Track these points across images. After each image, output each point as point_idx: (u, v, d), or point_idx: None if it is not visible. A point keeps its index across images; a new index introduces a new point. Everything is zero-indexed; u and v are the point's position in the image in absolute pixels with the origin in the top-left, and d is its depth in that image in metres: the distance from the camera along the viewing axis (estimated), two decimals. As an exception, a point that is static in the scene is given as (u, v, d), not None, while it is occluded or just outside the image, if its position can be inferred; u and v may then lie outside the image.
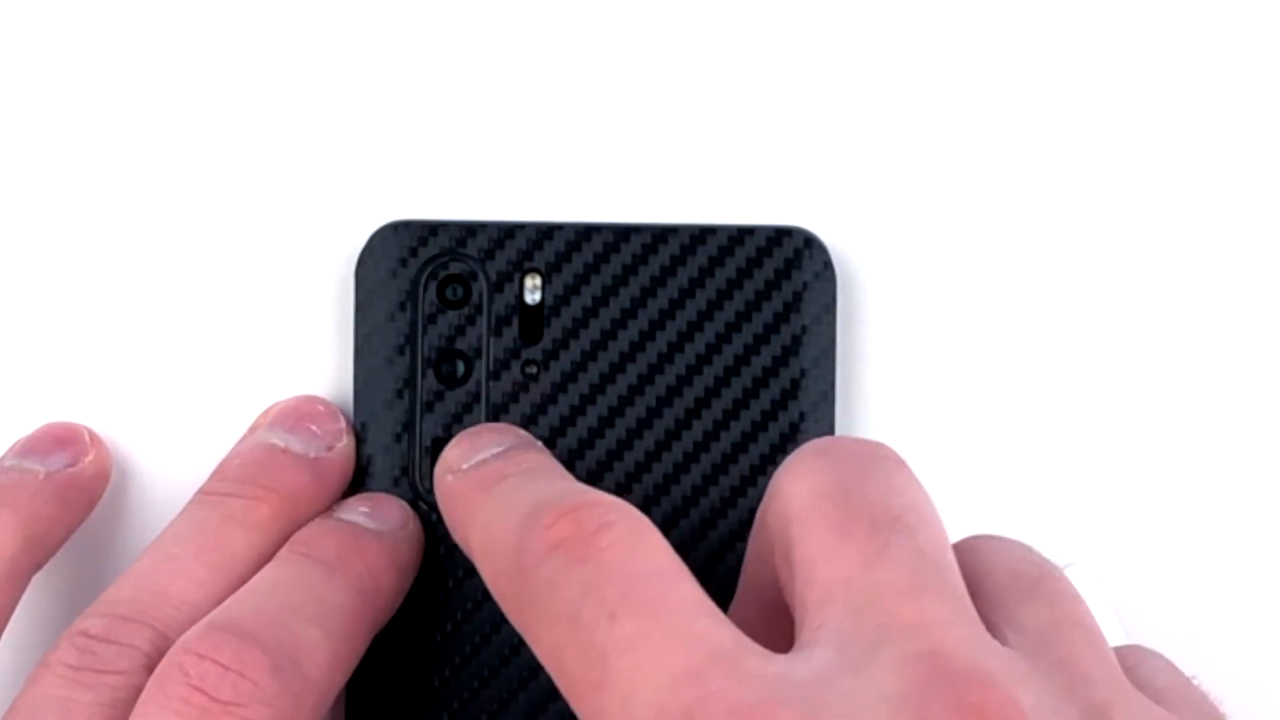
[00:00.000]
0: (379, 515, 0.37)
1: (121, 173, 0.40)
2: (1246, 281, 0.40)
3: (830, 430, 0.38)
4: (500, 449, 0.34)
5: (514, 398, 0.38)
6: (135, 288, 0.40)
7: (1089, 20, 0.40)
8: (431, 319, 0.38)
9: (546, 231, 0.38)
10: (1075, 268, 0.40)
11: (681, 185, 0.39)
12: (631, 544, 0.28)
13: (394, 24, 0.40)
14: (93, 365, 0.40)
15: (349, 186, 0.40)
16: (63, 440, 0.38)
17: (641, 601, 0.27)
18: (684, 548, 0.30)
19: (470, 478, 0.34)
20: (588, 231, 0.38)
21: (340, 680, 0.35)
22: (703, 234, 0.38)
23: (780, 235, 0.38)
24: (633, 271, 0.38)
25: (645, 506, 0.35)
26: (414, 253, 0.38)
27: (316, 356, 0.40)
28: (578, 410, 0.38)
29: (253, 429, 0.39)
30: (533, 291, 0.38)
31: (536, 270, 0.39)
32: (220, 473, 0.38)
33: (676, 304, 0.38)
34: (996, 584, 0.30)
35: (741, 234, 0.38)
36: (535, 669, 0.38)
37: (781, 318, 0.38)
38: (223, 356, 0.40)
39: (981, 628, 0.27)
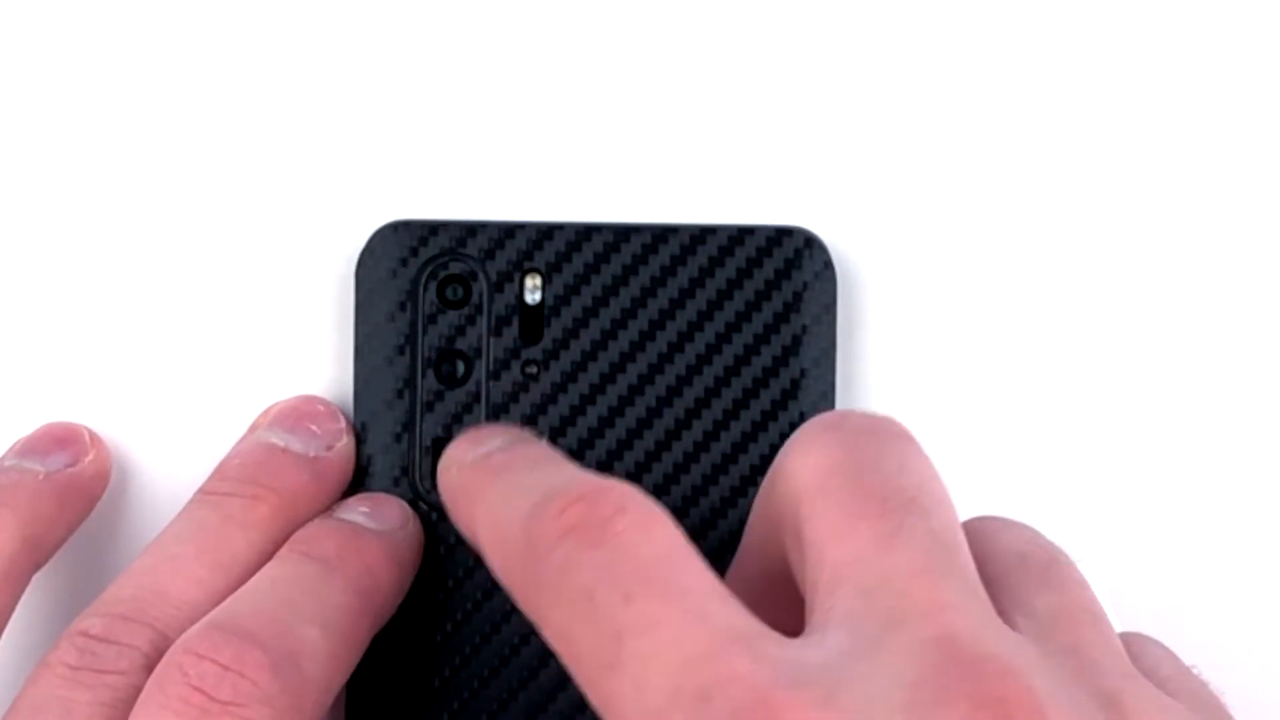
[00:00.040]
0: (379, 515, 0.37)
1: (121, 173, 0.40)
2: (1241, 281, 0.40)
3: (830, 430, 0.38)
4: (504, 442, 0.34)
5: (514, 398, 0.38)
6: (135, 288, 0.40)
7: (1089, 20, 0.40)
8: (431, 319, 0.38)
9: (546, 231, 0.38)
10: (1075, 267, 0.40)
11: (681, 185, 0.39)
12: (645, 528, 0.28)
13: (394, 24, 0.40)
14: (93, 365, 0.40)
15: (349, 186, 0.40)
16: (63, 440, 0.38)
17: (657, 583, 0.27)
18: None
19: (475, 469, 0.33)
20: (588, 231, 0.38)
21: (340, 680, 0.35)
22: (703, 234, 0.38)
23: (780, 235, 0.38)
24: (633, 271, 0.38)
25: (645, 506, 0.35)
26: (414, 253, 0.38)
27: (316, 356, 0.40)
28: (578, 410, 0.38)
29: (253, 429, 0.39)
30: (533, 291, 0.38)
31: (536, 270, 0.39)
32: (220, 472, 0.38)
33: (676, 304, 0.38)
34: (1004, 566, 0.30)
35: (741, 234, 0.38)
36: (535, 669, 0.38)
37: (781, 318, 0.38)
38: (223, 356, 0.40)
39: (993, 612, 0.27)
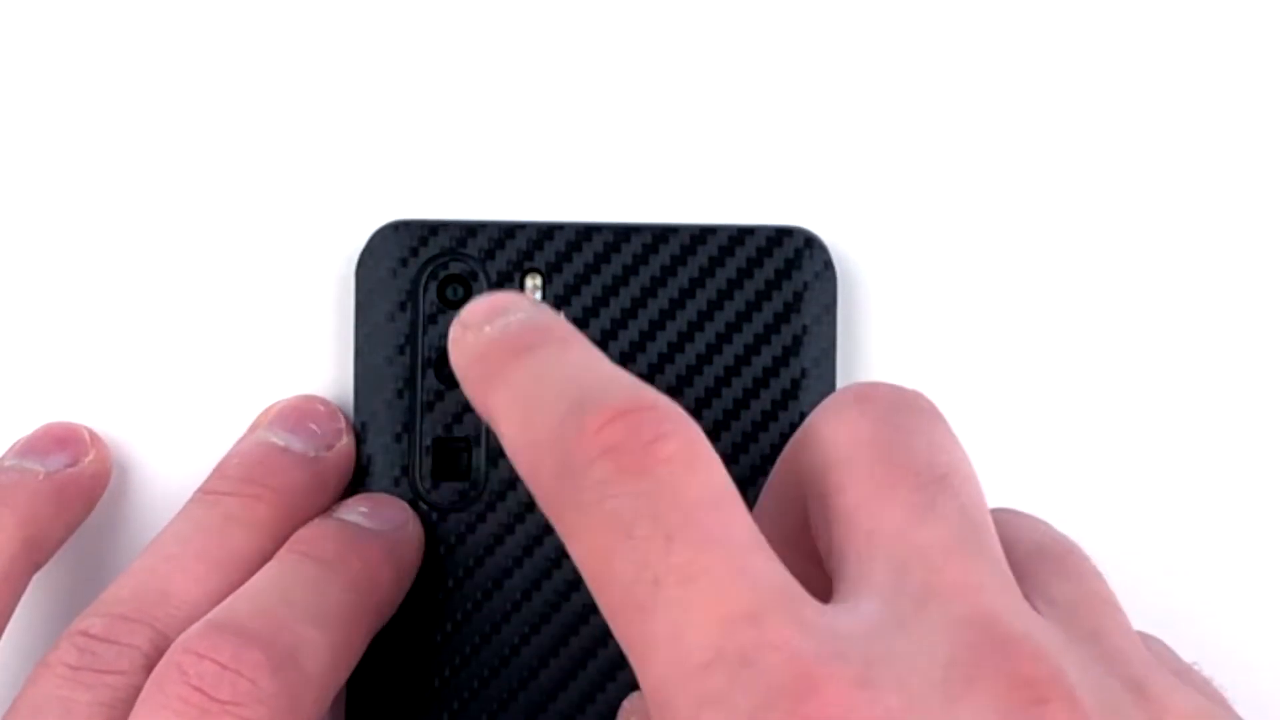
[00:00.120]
0: (379, 515, 0.37)
1: (122, 173, 0.40)
2: (1239, 289, 0.40)
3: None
4: (528, 314, 0.31)
5: (514, 398, 0.38)
6: (135, 288, 0.40)
7: (1089, 20, 0.40)
8: (432, 319, 0.38)
9: (546, 231, 0.38)
10: (1075, 267, 0.39)
11: (681, 185, 0.39)
12: (689, 460, 0.27)
13: (394, 24, 0.40)
14: (93, 365, 0.40)
15: (349, 186, 0.40)
16: (63, 440, 0.38)
17: (701, 529, 0.26)
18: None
19: (495, 339, 0.31)
20: (588, 231, 0.38)
21: (339, 680, 0.35)
22: (703, 234, 0.38)
23: (780, 235, 0.38)
24: (633, 271, 0.38)
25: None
26: (414, 253, 0.38)
27: (316, 356, 0.40)
28: (578, 410, 0.38)
29: (253, 428, 0.39)
30: (533, 291, 0.38)
31: (536, 270, 0.38)
32: (220, 472, 0.38)
33: (677, 304, 0.38)
34: (1024, 554, 0.30)
35: (742, 234, 0.38)
36: (535, 669, 0.38)
37: (782, 318, 0.38)
38: (223, 356, 0.40)
39: (1021, 595, 0.27)
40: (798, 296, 0.38)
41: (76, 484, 0.38)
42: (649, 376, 0.38)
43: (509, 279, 0.38)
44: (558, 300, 0.38)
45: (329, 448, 0.38)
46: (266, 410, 0.39)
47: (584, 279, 0.38)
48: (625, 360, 0.38)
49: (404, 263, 0.38)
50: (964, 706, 0.25)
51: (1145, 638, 0.31)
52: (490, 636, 0.38)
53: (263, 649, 0.33)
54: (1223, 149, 0.40)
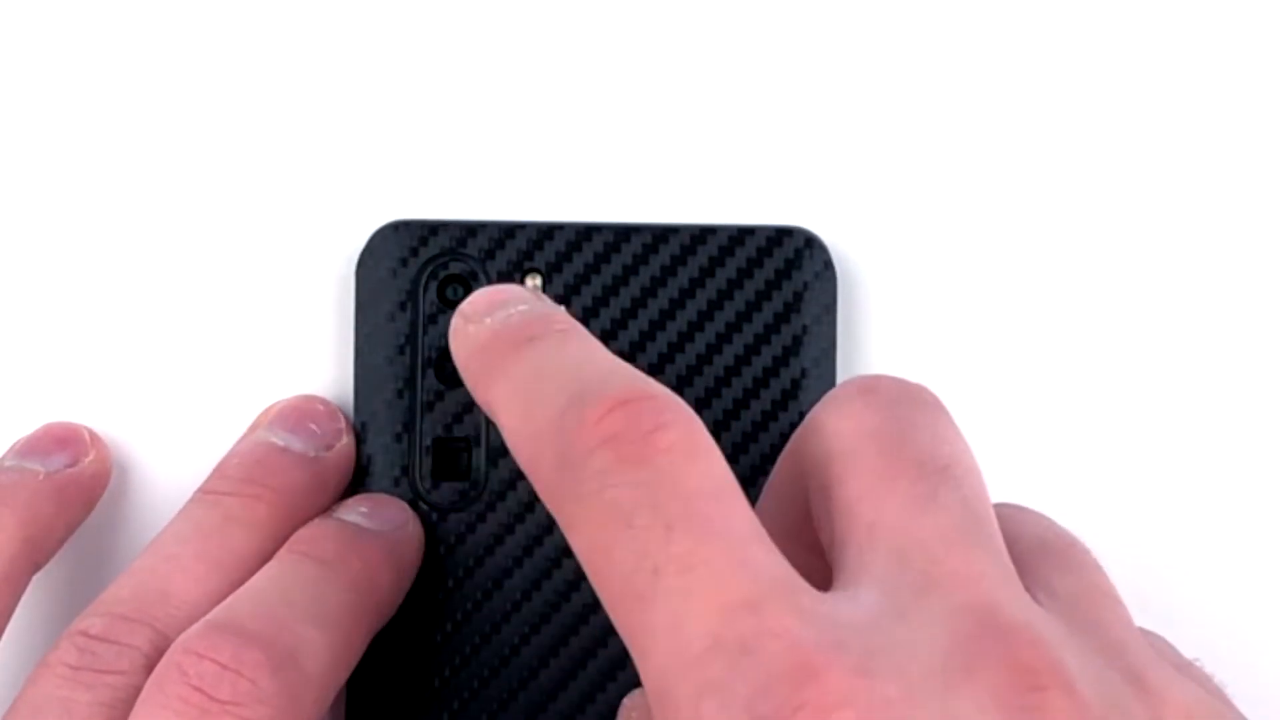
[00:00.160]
0: (379, 515, 0.37)
1: (122, 173, 0.40)
2: (1239, 280, 0.40)
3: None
4: (529, 307, 0.32)
5: (514, 398, 0.38)
6: (135, 288, 0.40)
7: (1089, 20, 0.40)
8: (432, 319, 0.38)
9: (546, 231, 0.38)
10: (1075, 267, 0.40)
11: (681, 185, 0.39)
12: (689, 450, 0.27)
13: (394, 24, 0.40)
14: (93, 365, 0.40)
15: (349, 186, 0.40)
16: (63, 440, 0.38)
17: (700, 519, 0.26)
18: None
19: (496, 331, 0.31)
20: (588, 231, 0.38)
21: (339, 680, 0.35)
22: (703, 234, 0.38)
23: (780, 235, 0.38)
24: (633, 271, 0.38)
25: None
26: (414, 253, 0.38)
27: (316, 356, 0.40)
28: (578, 410, 0.38)
29: (253, 428, 0.39)
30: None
31: (536, 270, 0.39)
32: (220, 471, 0.38)
33: (677, 304, 0.38)
34: (1025, 548, 0.30)
35: (742, 234, 0.38)
36: (535, 669, 0.38)
37: (782, 318, 0.38)
38: (223, 356, 0.39)
39: (1021, 587, 0.27)
40: (798, 296, 0.38)
41: (76, 484, 0.38)
42: (649, 376, 0.38)
43: (509, 279, 0.38)
44: (558, 300, 0.38)
45: (329, 448, 0.38)
46: (266, 410, 0.39)
47: (584, 279, 0.38)
48: (625, 360, 0.38)
49: (404, 263, 0.38)
50: (963, 695, 0.25)
51: (1146, 634, 0.31)
52: (490, 636, 0.38)
53: (263, 649, 0.33)
54: (1223, 149, 0.40)
